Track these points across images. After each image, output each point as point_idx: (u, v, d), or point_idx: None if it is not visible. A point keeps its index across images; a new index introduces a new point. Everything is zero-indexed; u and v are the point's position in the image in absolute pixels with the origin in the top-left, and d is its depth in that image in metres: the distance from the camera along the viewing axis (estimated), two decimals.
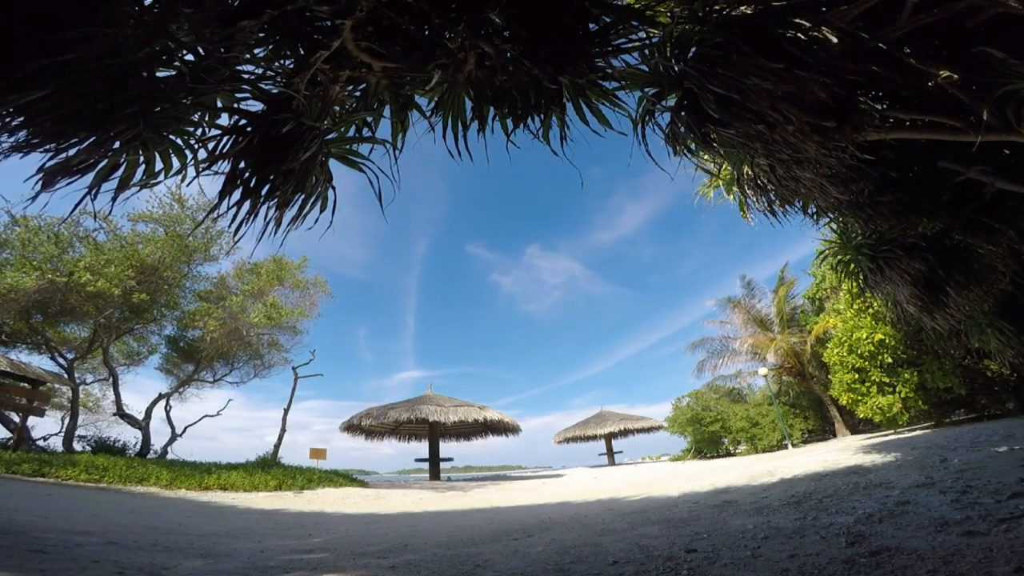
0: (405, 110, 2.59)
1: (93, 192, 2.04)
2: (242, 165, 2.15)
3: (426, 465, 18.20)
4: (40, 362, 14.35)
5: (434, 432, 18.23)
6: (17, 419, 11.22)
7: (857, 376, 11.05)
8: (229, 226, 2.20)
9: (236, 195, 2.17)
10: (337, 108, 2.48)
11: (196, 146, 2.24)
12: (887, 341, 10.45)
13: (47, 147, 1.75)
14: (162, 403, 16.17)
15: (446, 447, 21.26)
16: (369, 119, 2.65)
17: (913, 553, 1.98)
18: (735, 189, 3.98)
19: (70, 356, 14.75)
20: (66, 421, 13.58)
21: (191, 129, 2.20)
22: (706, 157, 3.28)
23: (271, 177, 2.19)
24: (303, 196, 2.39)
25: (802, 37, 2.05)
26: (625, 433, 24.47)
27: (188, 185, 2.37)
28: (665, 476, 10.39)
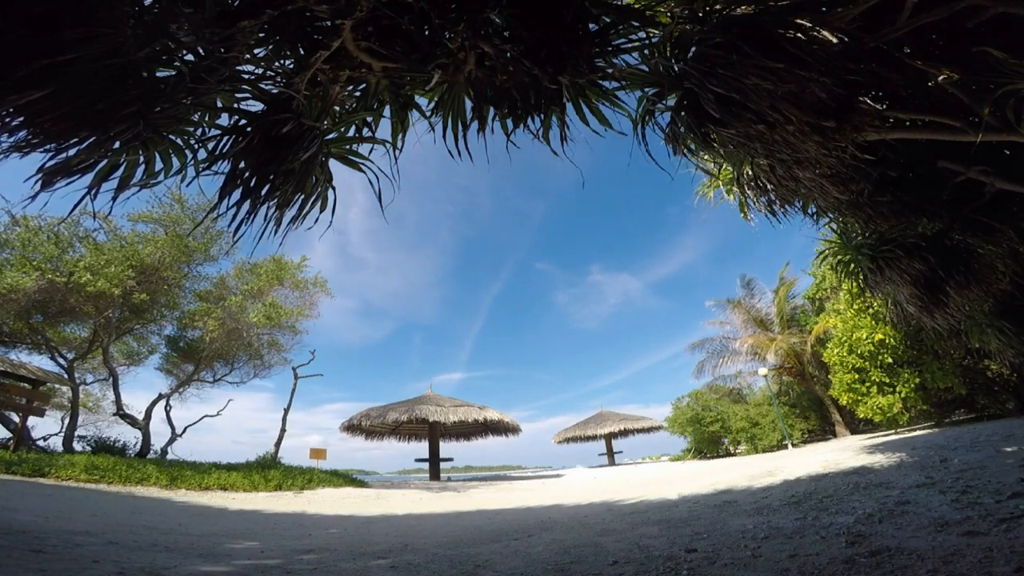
0: (405, 110, 2.59)
1: (93, 192, 2.04)
2: (242, 165, 2.15)
3: (426, 465, 18.19)
4: (40, 362, 14.36)
5: (434, 432, 18.23)
6: (17, 419, 11.22)
7: (857, 376, 11.05)
8: (229, 226, 2.20)
9: (236, 195, 2.17)
10: (337, 108, 2.48)
11: (196, 146, 2.24)
12: (887, 341, 10.44)
13: (47, 147, 1.75)
14: (162, 403, 16.16)
15: (446, 447, 21.26)
16: (369, 119, 2.65)
17: (913, 553, 1.98)
18: (735, 189, 3.98)
19: (70, 356, 14.73)
20: (66, 421, 13.56)
21: (191, 129, 2.20)
22: (706, 157, 3.29)
23: (271, 177, 2.19)
24: (303, 196, 2.39)
25: (802, 37, 2.05)
26: (625, 433, 24.46)
27: (188, 185, 2.37)
28: (665, 476, 10.38)
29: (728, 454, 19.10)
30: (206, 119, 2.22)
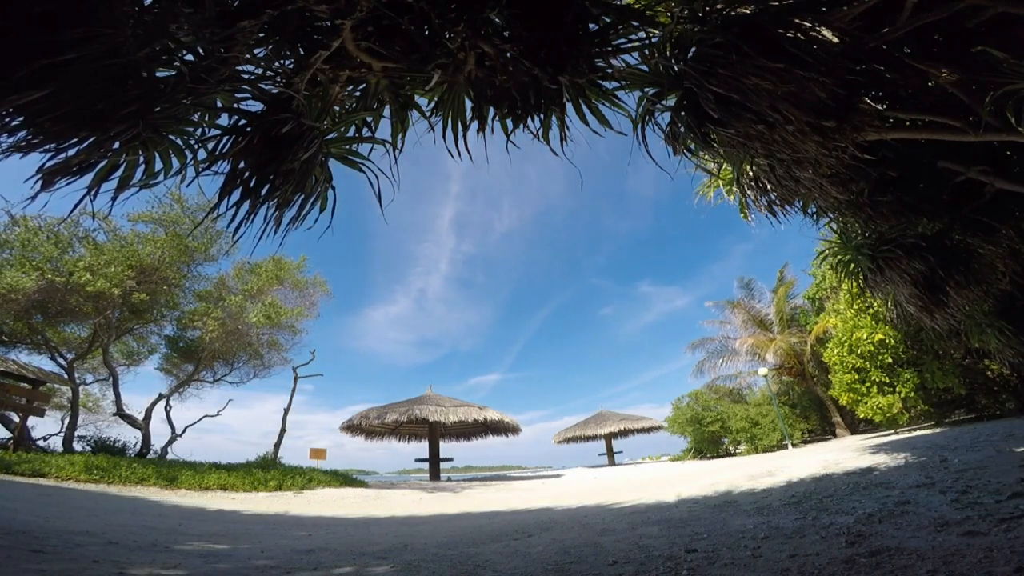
0: (405, 110, 2.58)
1: (93, 192, 2.04)
2: (242, 165, 2.15)
3: (426, 465, 18.19)
4: (40, 362, 14.34)
5: (434, 432, 18.22)
6: (17, 419, 11.21)
7: (857, 376, 11.05)
8: (228, 226, 2.20)
9: (236, 195, 2.17)
10: (337, 108, 2.48)
11: (196, 146, 2.24)
12: (887, 341, 10.45)
13: (47, 147, 1.75)
14: (162, 403, 16.16)
15: (446, 447, 21.25)
16: (369, 119, 2.65)
17: (913, 553, 1.98)
18: (735, 189, 3.98)
19: (70, 356, 14.73)
20: (66, 421, 13.56)
21: (191, 129, 2.20)
22: (706, 157, 3.28)
23: (271, 177, 2.19)
24: (303, 196, 2.39)
25: (802, 37, 2.05)
26: (625, 433, 24.46)
27: (188, 185, 2.37)
28: (665, 476, 10.38)
29: (728, 454, 19.10)
30: (206, 119, 2.22)
